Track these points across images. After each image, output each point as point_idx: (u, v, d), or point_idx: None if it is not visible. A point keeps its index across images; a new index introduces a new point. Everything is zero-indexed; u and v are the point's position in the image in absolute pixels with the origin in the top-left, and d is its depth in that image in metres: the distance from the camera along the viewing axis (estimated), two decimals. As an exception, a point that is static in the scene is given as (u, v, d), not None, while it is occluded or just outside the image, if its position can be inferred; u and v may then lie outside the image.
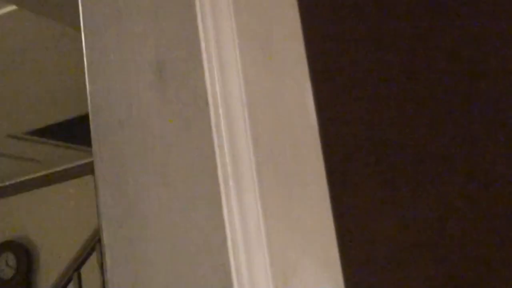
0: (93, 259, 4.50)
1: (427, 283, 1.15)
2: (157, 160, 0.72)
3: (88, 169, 6.45)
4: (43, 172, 6.60)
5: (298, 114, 0.85)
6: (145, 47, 0.77)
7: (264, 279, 0.73)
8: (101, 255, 4.46)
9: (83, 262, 4.52)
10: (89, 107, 0.76)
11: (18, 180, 6.72)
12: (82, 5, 0.84)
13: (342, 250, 0.85)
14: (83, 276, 4.50)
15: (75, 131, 5.93)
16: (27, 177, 6.67)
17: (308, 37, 0.90)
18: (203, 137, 0.74)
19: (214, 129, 0.75)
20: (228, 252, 0.71)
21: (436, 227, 1.20)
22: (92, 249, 4.51)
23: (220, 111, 0.76)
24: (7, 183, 6.77)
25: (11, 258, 6.59)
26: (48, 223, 6.60)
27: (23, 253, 6.58)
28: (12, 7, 3.78)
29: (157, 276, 0.69)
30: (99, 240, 4.51)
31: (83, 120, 5.71)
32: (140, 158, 0.73)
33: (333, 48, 1.10)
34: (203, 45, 0.77)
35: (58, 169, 6.55)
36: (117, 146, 0.74)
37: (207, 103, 0.75)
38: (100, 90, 0.74)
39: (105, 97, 0.74)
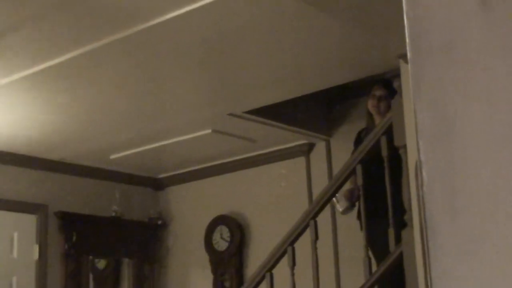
0: (306, 236, 4.61)
1: None
2: (480, 84, 0.74)
3: (301, 151, 6.61)
4: (258, 152, 6.83)
5: None
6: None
7: None
8: (315, 232, 4.57)
9: (296, 238, 4.65)
10: (407, 34, 0.80)
11: (235, 158, 7.01)
12: None
13: None
14: (296, 251, 4.63)
15: (291, 112, 6.10)
16: (243, 156, 6.95)
17: None
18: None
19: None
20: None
21: None
22: (306, 226, 4.62)
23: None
24: (224, 161, 7.10)
25: (225, 232, 6.91)
26: (260, 200, 6.84)
27: (236, 227, 6.88)
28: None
29: (475, 193, 0.71)
30: (313, 217, 4.63)
31: (299, 102, 5.85)
32: (462, 82, 0.75)
33: None
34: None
35: (272, 149, 6.75)
36: (437, 70, 0.77)
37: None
38: (420, 17, 0.78)
39: (426, 24, 0.77)
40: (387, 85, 4.94)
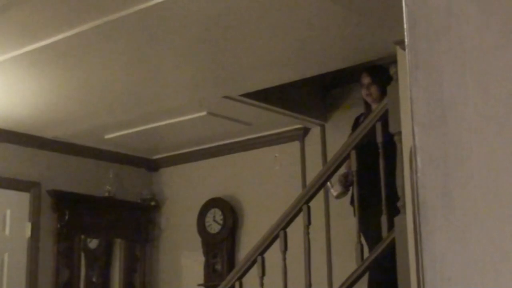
0: (299, 220, 4.62)
1: None
2: (476, 71, 0.73)
3: (296, 135, 6.60)
4: (253, 135, 6.82)
5: None
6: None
7: None
8: (308, 217, 4.57)
9: (289, 222, 4.65)
10: (405, 19, 0.79)
11: (229, 141, 7.00)
12: None
13: None
14: (288, 235, 4.64)
15: (286, 96, 6.08)
16: (237, 139, 6.93)
17: None
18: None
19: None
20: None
21: None
22: (299, 211, 4.62)
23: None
24: (219, 143, 7.08)
25: (218, 214, 6.91)
26: (253, 184, 6.83)
27: (229, 210, 6.88)
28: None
29: (468, 179, 0.70)
30: (306, 202, 4.63)
31: (295, 86, 5.83)
32: (457, 67, 0.75)
33: None
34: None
35: (267, 133, 6.74)
36: (434, 56, 0.76)
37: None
38: (418, 3, 0.77)
39: (423, 9, 0.76)
40: (371, 71, 4.97)
